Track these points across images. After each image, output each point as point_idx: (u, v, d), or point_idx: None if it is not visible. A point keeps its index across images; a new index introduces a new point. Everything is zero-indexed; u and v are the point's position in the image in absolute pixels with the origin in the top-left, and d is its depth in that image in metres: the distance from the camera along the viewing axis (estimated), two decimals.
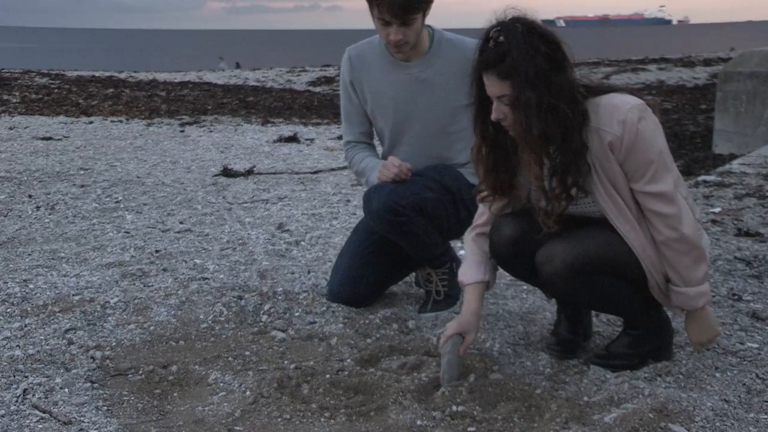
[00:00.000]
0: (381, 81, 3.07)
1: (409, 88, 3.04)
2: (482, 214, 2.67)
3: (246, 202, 5.15)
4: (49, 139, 7.97)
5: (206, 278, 3.54)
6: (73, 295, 3.30)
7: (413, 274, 3.39)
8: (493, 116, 2.40)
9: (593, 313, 2.90)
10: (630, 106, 2.37)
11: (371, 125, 3.20)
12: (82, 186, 5.65)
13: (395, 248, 3.13)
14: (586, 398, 2.43)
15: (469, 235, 2.74)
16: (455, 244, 4.04)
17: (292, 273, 3.62)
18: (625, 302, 2.57)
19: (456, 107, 3.03)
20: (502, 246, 2.60)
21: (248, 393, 2.45)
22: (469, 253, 2.69)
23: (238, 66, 22.64)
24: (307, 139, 8.20)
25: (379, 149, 3.24)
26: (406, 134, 3.09)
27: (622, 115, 2.36)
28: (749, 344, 2.83)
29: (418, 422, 2.29)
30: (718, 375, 2.58)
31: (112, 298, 3.25)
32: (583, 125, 2.38)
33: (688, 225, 2.41)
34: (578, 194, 2.45)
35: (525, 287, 3.39)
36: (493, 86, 2.35)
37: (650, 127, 2.38)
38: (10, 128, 8.78)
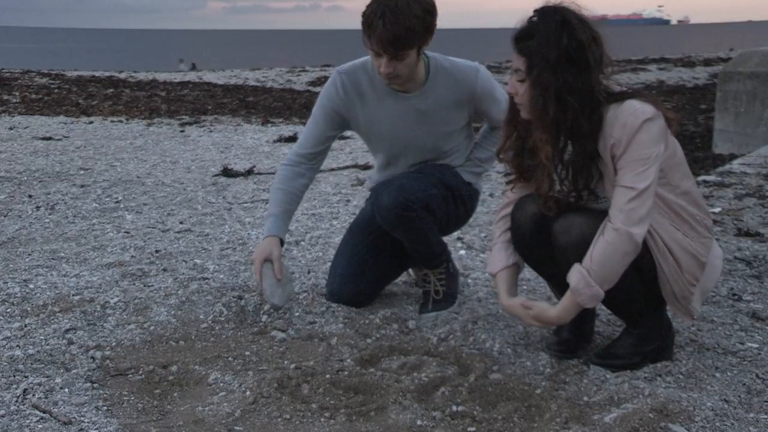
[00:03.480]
0: (376, 109, 3.01)
1: (407, 117, 3.01)
2: (509, 203, 2.73)
3: (246, 202, 5.15)
4: (49, 139, 7.97)
5: (206, 278, 3.54)
6: (73, 295, 3.30)
7: (413, 274, 3.40)
8: (507, 88, 2.52)
9: (595, 313, 2.90)
10: (635, 110, 2.39)
11: (326, 149, 3.14)
12: (82, 186, 5.64)
13: (391, 247, 3.14)
14: (586, 398, 2.44)
15: (496, 223, 2.78)
16: (455, 245, 4.04)
17: (292, 273, 3.62)
18: (632, 293, 2.56)
19: (452, 131, 3.07)
20: (523, 222, 2.64)
21: (248, 393, 2.45)
22: (496, 240, 2.75)
23: (194, 67, 22.65)
24: None
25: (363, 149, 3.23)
26: (402, 156, 3.10)
27: (624, 118, 2.39)
28: (749, 344, 2.84)
29: (418, 422, 2.29)
30: (718, 375, 2.58)
31: (112, 298, 3.25)
32: (597, 133, 2.41)
33: (640, 228, 2.39)
34: (589, 197, 2.50)
35: (525, 287, 3.39)
36: (514, 60, 2.47)
37: (651, 130, 2.39)
38: (10, 128, 8.77)
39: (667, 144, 2.47)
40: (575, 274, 2.43)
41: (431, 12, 2.79)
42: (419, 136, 3.04)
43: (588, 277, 2.40)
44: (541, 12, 2.43)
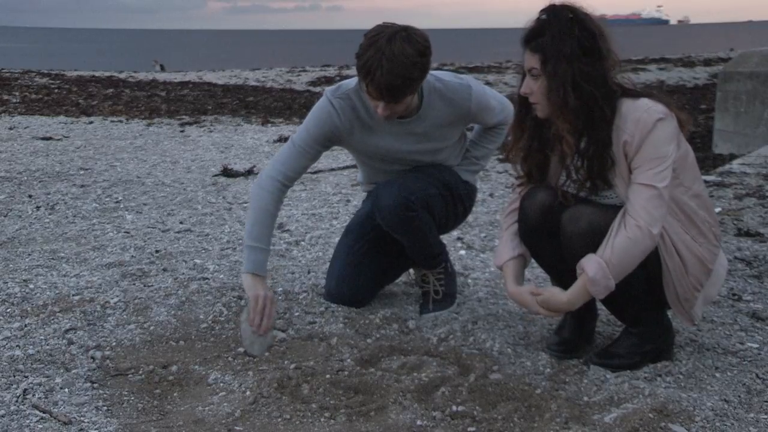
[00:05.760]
0: (374, 134, 2.98)
1: (405, 140, 2.99)
2: (517, 199, 2.74)
3: (246, 202, 5.15)
4: (49, 139, 7.96)
5: (206, 278, 3.54)
6: (73, 295, 3.30)
7: (413, 274, 3.40)
8: (521, 90, 2.53)
9: (596, 313, 2.89)
10: (649, 107, 2.44)
11: (306, 171, 3.05)
12: (82, 186, 5.64)
13: (388, 248, 3.15)
14: (586, 398, 2.44)
15: (504, 217, 2.78)
16: (454, 244, 4.04)
17: (292, 273, 3.62)
18: (636, 291, 2.57)
19: (449, 145, 3.08)
20: (531, 210, 2.65)
21: (248, 393, 2.46)
22: (503, 233, 2.76)
23: (162, 68, 22.76)
24: None
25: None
26: (395, 170, 3.09)
27: (638, 114, 2.43)
28: (749, 344, 2.84)
29: (418, 422, 2.29)
30: (718, 375, 2.58)
31: (112, 298, 3.25)
32: (612, 121, 2.45)
33: (659, 227, 2.43)
34: (602, 186, 2.53)
35: None
36: (528, 59, 2.49)
37: (665, 130, 2.43)
38: (10, 128, 8.77)
39: (679, 145, 2.50)
40: (593, 265, 2.43)
41: (426, 53, 2.73)
42: (416, 154, 3.04)
43: (606, 269, 2.41)
44: (550, 9, 2.47)
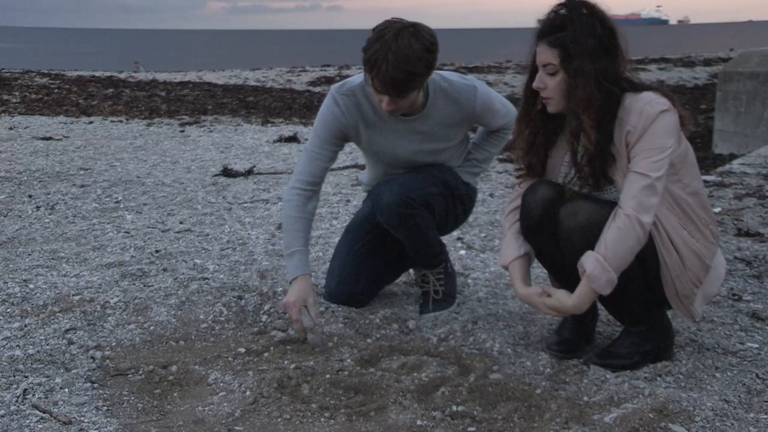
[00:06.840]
0: (379, 131, 2.99)
1: (409, 138, 3.00)
2: (518, 196, 2.74)
3: (246, 202, 5.15)
4: (49, 139, 7.97)
5: (206, 278, 3.54)
6: (73, 295, 3.30)
7: (413, 274, 3.40)
8: (534, 84, 2.52)
9: (596, 313, 2.89)
10: (652, 99, 2.44)
11: (329, 168, 3.08)
12: (82, 186, 5.64)
13: (388, 248, 3.15)
14: (586, 398, 2.44)
15: (506, 216, 2.78)
16: (455, 244, 4.04)
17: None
18: (635, 289, 2.56)
19: (453, 145, 3.08)
20: (533, 206, 2.64)
21: (248, 393, 2.46)
22: (506, 232, 2.75)
23: (143, 68, 22.82)
24: (306, 139, 8.15)
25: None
26: (401, 168, 3.09)
27: (641, 106, 2.44)
28: (749, 344, 2.84)
29: (418, 422, 2.29)
30: (718, 375, 2.58)
31: (112, 298, 3.25)
32: (615, 116, 2.47)
33: (649, 216, 2.43)
34: (604, 183, 2.53)
35: None
36: (543, 53, 2.48)
37: (667, 121, 2.43)
38: (10, 128, 8.77)
39: (680, 141, 2.50)
40: (591, 261, 2.43)
41: (432, 50, 2.73)
42: (420, 153, 3.05)
43: (604, 263, 2.41)
44: (570, 4, 2.46)
